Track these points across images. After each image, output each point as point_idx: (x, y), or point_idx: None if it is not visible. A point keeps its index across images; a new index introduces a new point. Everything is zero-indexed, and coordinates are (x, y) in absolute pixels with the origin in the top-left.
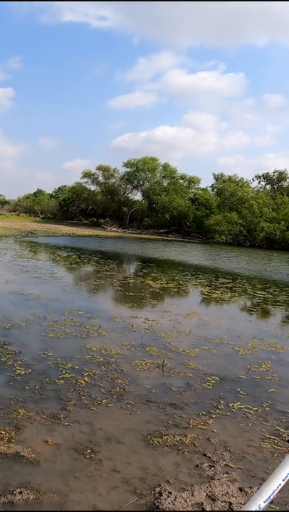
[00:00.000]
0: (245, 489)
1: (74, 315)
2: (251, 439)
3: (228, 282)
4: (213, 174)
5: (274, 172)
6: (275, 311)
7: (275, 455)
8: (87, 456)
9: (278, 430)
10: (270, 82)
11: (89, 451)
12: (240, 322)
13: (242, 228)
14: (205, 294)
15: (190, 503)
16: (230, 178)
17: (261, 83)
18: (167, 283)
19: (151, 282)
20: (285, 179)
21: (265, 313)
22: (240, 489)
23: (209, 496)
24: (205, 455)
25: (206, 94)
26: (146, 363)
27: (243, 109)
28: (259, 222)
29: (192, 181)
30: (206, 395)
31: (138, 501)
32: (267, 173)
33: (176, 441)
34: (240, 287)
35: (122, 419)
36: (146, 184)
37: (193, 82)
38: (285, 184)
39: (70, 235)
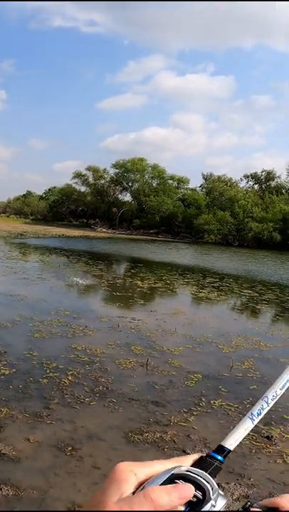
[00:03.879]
0: (222, 485)
1: (60, 315)
2: None
3: (216, 281)
4: (202, 174)
5: (262, 172)
6: (261, 310)
7: (254, 451)
8: (68, 454)
9: (257, 427)
10: (257, 84)
11: (70, 448)
12: (226, 321)
13: (231, 228)
14: (192, 294)
15: None
16: (219, 178)
17: (249, 85)
18: (155, 283)
19: (139, 282)
20: (272, 179)
21: (251, 312)
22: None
23: None
24: (184, 451)
25: (195, 96)
26: (130, 362)
27: (232, 110)
28: (248, 222)
29: (181, 181)
30: (188, 392)
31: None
32: (255, 172)
33: (157, 438)
34: (227, 286)
35: (104, 416)
36: (136, 185)
37: (182, 84)
38: (272, 184)
39: (59, 236)
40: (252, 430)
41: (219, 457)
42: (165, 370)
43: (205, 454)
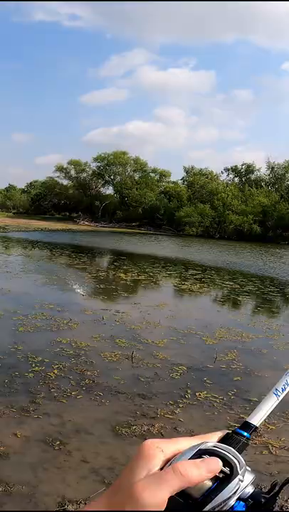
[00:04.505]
0: None
1: (45, 309)
2: (217, 427)
3: (198, 273)
4: (184, 167)
5: (242, 165)
6: (242, 301)
7: None
8: (56, 448)
9: (242, 418)
10: (238, 79)
11: (58, 442)
12: (209, 312)
13: (212, 220)
14: (175, 286)
15: None
16: (200, 171)
17: (230, 79)
18: (138, 275)
19: (122, 275)
20: (252, 172)
21: (233, 303)
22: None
23: None
24: None
25: (176, 90)
26: (115, 355)
27: (213, 104)
28: (228, 214)
29: (163, 175)
30: (173, 384)
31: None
32: (235, 166)
33: (144, 430)
34: (209, 278)
35: (91, 410)
36: (118, 178)
37: (164, 78)
38: (252, 177)
39: (42, 229)
40: (239, 423)
41: (245, 433)
42: (150, 362)
43: (231, 431)
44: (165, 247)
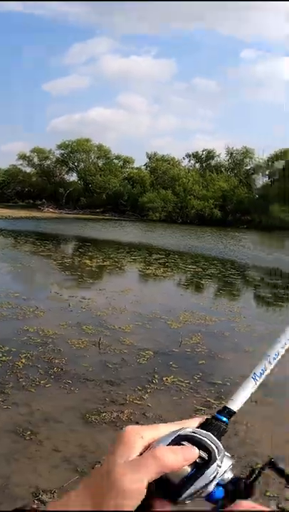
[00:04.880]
0: None
1: (10, 297)
2: (184, 411)
3: (161, 258)
4: (147, 153)
5: (203, 151)
6: (205, 284)
7: None
8: (27, 438)
9: (209, 401)
10: (200, 68)
11: (28, 432)
12: (173, 296)
13: (174, 206)
14: (139, 271)
15: None
16: (162, 157)
17: (192, 68)
18: (103, 261)
19: (87, 261)
20: (212, 158)
21: (196, 287)
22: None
23: None
24: None
25: (138, 78)
26: (83, 342)
27: (174, 92)
28: (190, 199)
29: (127, 161)
30: (141, 370)
31: (80, 479)
32: (196, 152)
33: (114, 417)
34: (173, 262)
35: (60, 398)
36: (82, 165)
37: (126, 66)
38: (212, 163)
39: (6, 217)
40: (205, 406)
41: (224, 419)
42: (117, 348)
43: (210, 416)
44: (129, 232)
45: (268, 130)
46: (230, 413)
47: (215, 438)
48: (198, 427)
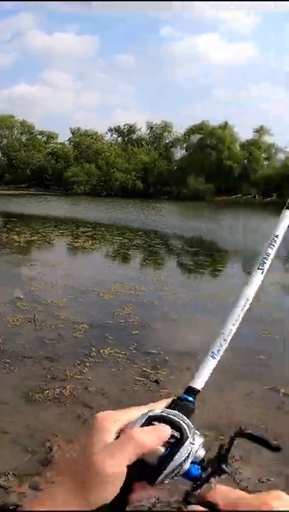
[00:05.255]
0: None
1: None
2: (124, 383)
3: (89, 231)
4: (70, 129)
5: (124, 125)
6: (132, 255)
7: (147, 396)
8: None
9: (146, 371)
10: (120, 44)
11: None
12: (102, 268)
13: (98, 179)
14: (68, 244)
15: None
16: (86, 132)
17: (114, 45)
18: (31, 236)
19: (15, 237)
20: (134, 132)
21: (124, 258)
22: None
23: None
24: (86, 405)
25: (62, 55)
26: (17, 319)
27: (98, 69)
28: (113, 172)
29: (51, 136)
30: (78, 344)
31: (32, 458)
32: (118, 126)
33: (57, 394)
34: (100, 234)
35: (0, 378)
36: (5, 141)
37: (50, 42)
38: (134, 136)
39: None
40: (143, 376)
41: (190, 398)
42: (53, 323)
43: (176, 397)
44: (55, 206)
45: (186, 106)
46: (194, 392)
47: (184, 417)
48: (166, 408)
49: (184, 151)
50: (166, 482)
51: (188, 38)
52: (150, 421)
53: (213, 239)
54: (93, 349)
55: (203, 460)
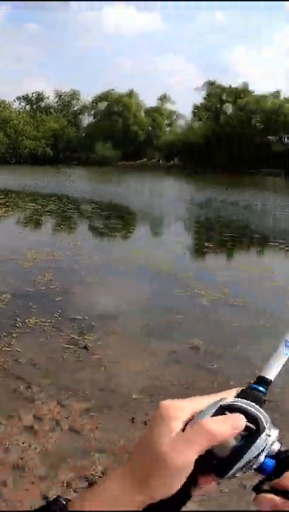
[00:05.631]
0: (63, 402)
1: None
2: (53, 351)
3: (0, 198)
4: None
5: (33, 93)
6: (46, 221)
7: (78, 365)
8: None
9: (74, 338)
10: (30, 12)
11: None
12: (18, 236)
13: (7, 147)
14: None
15: (21, 428)
16: None
17: (22, 13)
18: None
19: None
20: (42, 100)
21: (39, 224)
22: (59, 403)
23: (36, 417)
24: (19, 377)
25: None
26: None
27: (5, 36)
28: (22, 140)
29: None
30: (2, 314)
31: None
32: (26, 94)
33: None
34: (13, 202)
35: None
36: None
37: None
38: (42, 104)
39: None
40: (69, 343)
41: (261, 388)
42: None
43: (246, 387)
44: None
45: (93, 74)
46: (266, 382)
47: (258, 407)
48: (236, 398)
49: (91, 118)
50: (237, 476)
51: (97, 9)
52: (222, 411)
53: (122, 202)
54: (18, 319)
55: (279, 453)
